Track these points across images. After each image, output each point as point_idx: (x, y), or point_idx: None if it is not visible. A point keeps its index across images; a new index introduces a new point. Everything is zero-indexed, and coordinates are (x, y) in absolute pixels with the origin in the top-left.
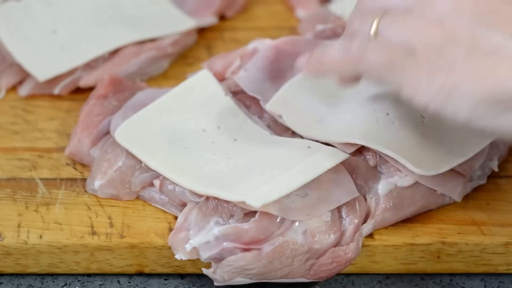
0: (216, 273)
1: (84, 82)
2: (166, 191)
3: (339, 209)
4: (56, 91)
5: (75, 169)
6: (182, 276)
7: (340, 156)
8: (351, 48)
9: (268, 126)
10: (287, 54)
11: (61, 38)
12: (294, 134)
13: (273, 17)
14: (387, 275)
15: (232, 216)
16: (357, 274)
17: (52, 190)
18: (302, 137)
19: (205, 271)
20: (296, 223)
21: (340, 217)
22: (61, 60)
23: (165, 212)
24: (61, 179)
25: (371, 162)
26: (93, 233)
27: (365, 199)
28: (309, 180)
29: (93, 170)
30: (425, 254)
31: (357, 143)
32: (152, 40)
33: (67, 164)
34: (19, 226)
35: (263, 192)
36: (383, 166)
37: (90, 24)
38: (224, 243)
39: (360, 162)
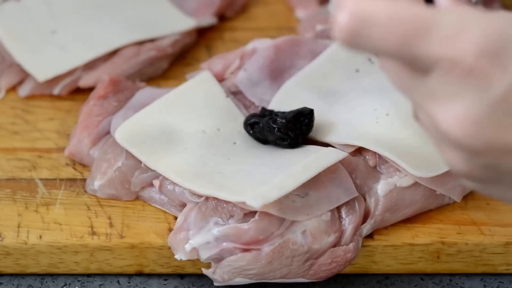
0: (215, 273)
1: (84, 82)
2: (165, 191)
3: (338, 209)
4: (56, 91)
5: (75, 169)
6: (181, 276)
7: (339, 154)
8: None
9: None
10: (287, 54)
11: (61, 38)
12: None
13: (273, 17)
14: (387, 275)
15: (231, 216)
16: (357, 274)
17: (52, 190)
18: None
19: (204, 271)
20: (296, 223)
21: (340, 217)
22: (61, 60)
23: (165, 212)
24: (61, 180)
25: (371, 162)
26: (93, 233)
27: (365, 199)
28: (309, 178)
29: (92, 170)
30: (425, 254)
31: (356, 144)
32: (152, 40)
33: (67, 164)
34: (19, 226)
35: (262, 192)
36: (383, 166)
37: (89, 24)
38: (224, 244)
39: (359, 162)
